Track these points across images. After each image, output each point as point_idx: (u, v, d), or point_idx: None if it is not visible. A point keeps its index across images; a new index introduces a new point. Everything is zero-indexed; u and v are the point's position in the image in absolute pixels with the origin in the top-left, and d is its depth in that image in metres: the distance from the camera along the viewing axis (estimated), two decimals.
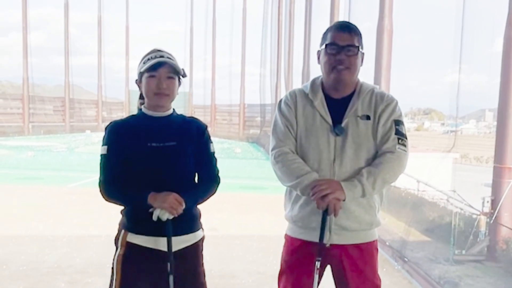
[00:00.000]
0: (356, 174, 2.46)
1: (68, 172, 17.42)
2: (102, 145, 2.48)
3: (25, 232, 7.55)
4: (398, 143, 2.50)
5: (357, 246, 2.58)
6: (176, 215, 2.36)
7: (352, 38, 2.48)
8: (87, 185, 13.17)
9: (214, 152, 2.63)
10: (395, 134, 2.51)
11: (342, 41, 2.46)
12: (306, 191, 2.46)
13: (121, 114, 40.18)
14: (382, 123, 2.52)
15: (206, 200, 2.56)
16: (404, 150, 2.51)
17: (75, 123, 40.16)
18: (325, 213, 2.43)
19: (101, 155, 2.48)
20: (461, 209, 10.27)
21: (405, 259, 7.02)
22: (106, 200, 2.47)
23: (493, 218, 8.87)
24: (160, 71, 2.42)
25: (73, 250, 6.59)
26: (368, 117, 2.53)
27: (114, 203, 2.48)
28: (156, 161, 2.44)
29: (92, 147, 26.55)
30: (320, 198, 2.39)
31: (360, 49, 2.51)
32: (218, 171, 2.63)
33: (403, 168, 2.53)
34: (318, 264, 2.49)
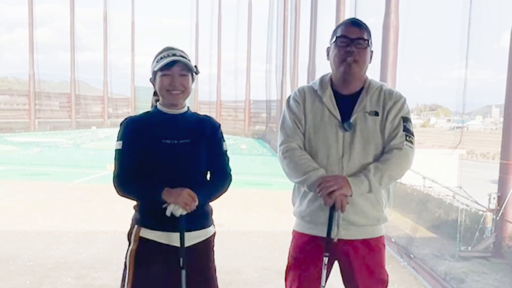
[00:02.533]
0: (364, 170, 2.48)
1: (74, 168, 17.49)
2: (117, 140, 2.50)
3: (32, 228, 7.58)
4: (406, 140, 2.52)
5: (365, 242, 2.59)
6: (189, 211, 2.38)
7: (362, 32, 2.51)
8: (93, 181, 13.23)
9: (226, 151, 2.66)
10: (403, 131, 2.52)
11: (352, 34, 2.49)
12: (313, 187, 2.47)
13: (126, 110, 40.35)
14: (390, 120, 2.53)
15: (217, 197, 2.58)
16: (411, 147, 2.53)
17: (81, 119, 40.34)
18: (332, 209, 2.44)
19: (116, 150, 2.50)
20: (467, 205, 10.24)
21: (411, 255, 7.01)
22: (119, 194, 2.49)
23: (499, 214, 8.84)
24: (173, 69, 2.44)
25: (79, 246, 6.62)
26: (376, 113, 2.54)
27: (127, 197, 2.50)
28: (170, 158, 2.46)
29: (98, 143, 26.69)
30: (326, 195, 2.40)
31: (370, 44, 2.53)
32: (230, 169, 2.65)
33: (409, 164, 2.55)
34: (325, 259, 2.50)
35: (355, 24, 2.54)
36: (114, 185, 2.47)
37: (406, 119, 2.55)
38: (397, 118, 2.53)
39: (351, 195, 2.43)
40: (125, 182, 2.47)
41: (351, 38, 2.47)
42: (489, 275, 8.09)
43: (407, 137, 2.52)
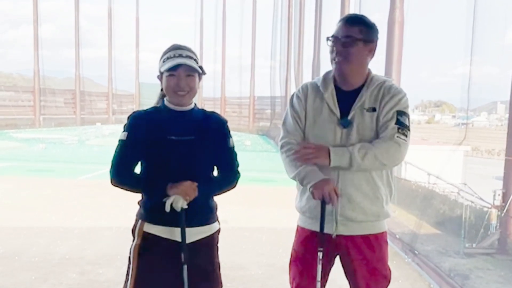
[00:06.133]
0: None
1: (79, 164, 17.52)
2: (123, 131, 2.50)
3: (37, 224, 7.61)
4: (398, 132, 2.47)
5: (365, 237, 2.59)
6: (190, 200, 2.38)
7: (352, 29, 2.50)
8: (98, 177, 13.22)
9: (233, 147, 2.66)
10: (396, 123, 2.48)
11: (340, 33, 2.50)
12: (304, 182, 2.49)
13: (131, 107, 40.38)
14: (384, 114, 2.51)
15: (224, 192, 2.59)
16: (404, 140, 2.48)
17: (85, 115, 40.36)
18: (323, 203, 2.45)
19: (120, 140, 2.50)
20: (472, 202, 10.21)
21: (415, 252, 7.00)
22: (113, 184, 2.48)
23: (504, 211, 8.81)
24: (179, 71, 2.44)
25: (84, 242, 6.64)
26: (374, 109, 2.54)
27: (121, 187, 2.49)
28: (174, 154, 2.46)
29: (102, 140, 26.70)
30: (314, 189, 2.41)
31: (363, 39, 2.50)
32: (237, 165, 2.65)
33: (400, 154, 2.49)
34: (320, 254, 2.52)
35: (347, 21, 2.55)
36: (110, 173, 2.46)
37: (401, 113, 2.51)
38: (391, 112, 2.50)
39: (329, 165, 2.42)
40: (123, 171, 2.47)
41: (337, 37, 2.49)
42: (494, 271, 8.07)
43: (399, 130, 2.48)
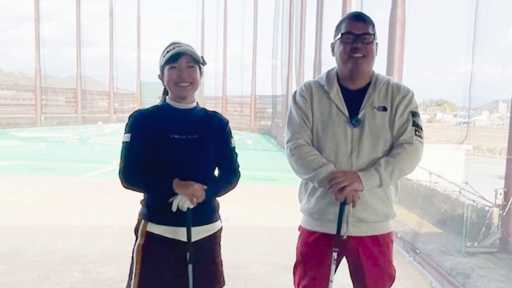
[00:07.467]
0: (374, 164, 2.47)
1: (81, 163, 17.53)
2: (125, 133, 2.49)
3: (39, 223, 7.62)
4: (415, 134, 2.51)
5: (374, 238, 2.59)
6: (195, 204, 2.38)
7: (367, 26, 2.49)
8: (99, 176, 13.26)
9: (234, 147, 2.66)
10: (412, 125, 2.51)
11: (358, 30, 2.47)
12: (323, 183, 2.46)
13: (132, 106, 40.42)
14: (399, 115, 2.52)
15: (225, 193, 2.59)
16: (421, 142, 2.52)
17: (87, 114, 40.40)
18: (343, 204, 2.43)
19: (124, 142, 2.49)
20: (474, 201, 10.20)
21: (417, 251, 7.00)
22: (125, 187, 2.47)
23: (506, 210, 8.80)
24: (180, 61, 2.44)
25: (86, 240, 6.65)
26: (384, 109, 2.53)
27: (133, 189, 2.49)
28: (178, 153, 2.45)
29: (104, 138, 26.76)
30: (338, 190, 2.39)
31: (375, 38, 2.51)
32: (238, 165, 2.66)
33: (419, 159, 2.54)
34: (335, 255, 2.51)
35: (359, 18, 2.52)
36: (120, 177, 2.46)
37: (414, 114, 2.54)
38: (406, 113, 2.52)
39: (362, 190, 2.42)
40: (132, 173, 2.46)
41: (357, 34, 2.46)
42: (495, 270, 8.06)
43: (416, 132, 2.51)
